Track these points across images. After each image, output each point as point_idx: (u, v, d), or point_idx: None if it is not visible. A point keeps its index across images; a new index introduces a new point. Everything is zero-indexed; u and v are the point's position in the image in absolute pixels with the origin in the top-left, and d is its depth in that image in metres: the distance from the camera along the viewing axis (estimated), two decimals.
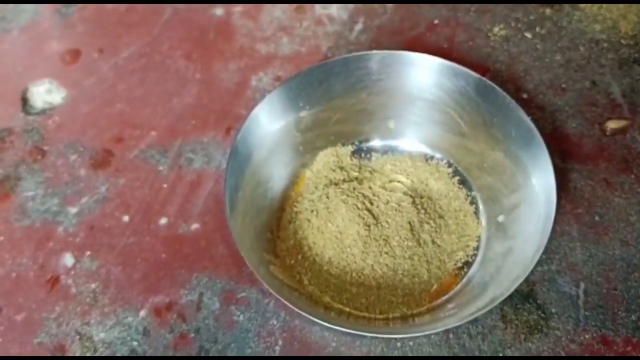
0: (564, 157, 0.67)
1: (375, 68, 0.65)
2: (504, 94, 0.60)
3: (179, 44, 0.82)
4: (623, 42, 0.77)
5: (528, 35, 0.80)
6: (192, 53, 0.81)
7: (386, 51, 0.64)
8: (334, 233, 0.61)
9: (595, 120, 0.70)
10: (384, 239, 0.60)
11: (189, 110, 0.75)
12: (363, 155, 0.70)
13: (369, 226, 0.62)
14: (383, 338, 0.58)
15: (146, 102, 0.76)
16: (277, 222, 0.66)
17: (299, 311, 0.52)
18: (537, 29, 0.79)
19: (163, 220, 0.66)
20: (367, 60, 0.65)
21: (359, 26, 0.83)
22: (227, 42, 0.82)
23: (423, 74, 0.64)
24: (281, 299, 0.53)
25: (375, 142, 0.70)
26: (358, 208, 0.63)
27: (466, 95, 0.63)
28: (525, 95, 0.72)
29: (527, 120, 0.59)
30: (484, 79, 0.62)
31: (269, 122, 0.63)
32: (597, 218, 0.64)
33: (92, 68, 0.80)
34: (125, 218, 0.67)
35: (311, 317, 0.52)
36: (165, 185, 0.69)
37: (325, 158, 0.69)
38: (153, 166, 0.71)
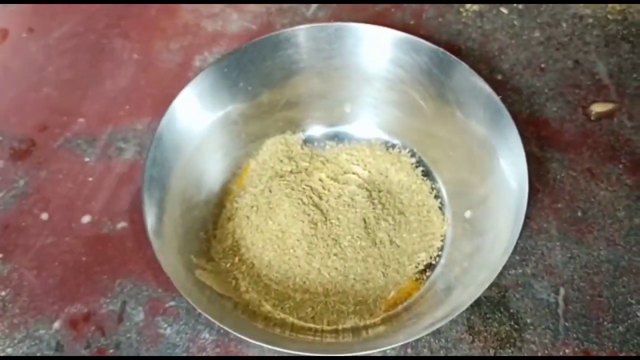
0: (542, 144, 0.62)
1: (325, 44, 0.57)
2: (469, 69, 0.53)
3: (116, 21, 0.75)
4: (610, 17, 0.71)
5: (504, 10, 0.73)
6: (130, 31, 0.74)
7: (335, 23, 0.56)
8: (274, 232, 0.54)
9: (579, 103, 0.65)
10: (333, 239, 0.54)
11: (122, 95, 0.68)
12: (316, 143, 0.63)
13: (315, 224, 0.54)
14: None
15: (76, 86, 0.69)
16: (215, 219, 0.57)
17: (226, 329, 0.44)
18: (514, 4, 0.73)
19: (86, 218, 0.60)
20: (315, 34, 0.57)
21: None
22: (170, 19, 0.74)
23: (378, 50, 0.57)
24: (204, 314, 0.44)
25: (329, 129, 0.63)
26: (303, 203, 0.55)
27: (428, 72, 0.56)
28: (499, 77, 0.67)
29: (496, 98, 0.51)
30: (447, 53, 0.54)
31: (202, 106, 0.56)
32: (579, 213, 0.58)
33: (20, 49, 0.73)
34: (44, 216, 0.60)
35: (240, 336, 0.44)
36: (90, 179, 0.62)
37: (273, 147, 0.62)
38: (79, 157, 0.64)
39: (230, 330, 0.45)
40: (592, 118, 0.63)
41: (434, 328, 0.45)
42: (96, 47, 0.72)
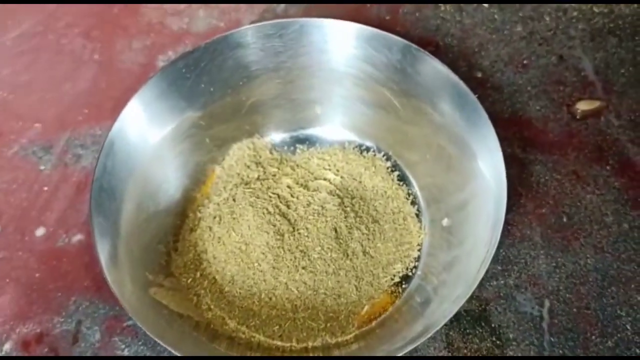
0: (525, 145, 0.59)
1: (291, 41, 0.54)
2: (443, 65, 0.49)
3: (77, 20, 0.71)
4: (596, 10, 0.68)
5: (484, 4, 0.68)
6: (91, 30, 0.70)
7: (301, 19, 0.52)
8: (237, 244, 0.51)
9: (563, 101, 0.61)
10: (301, 251, 0.51)
11: (82, 97, 0.65)
12: (286, 148, 0.59)
13: (282, 235, 0.51)
14: None
15: (32, 89, 0.66)
16: (176, 231, 0.54)
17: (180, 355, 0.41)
18: None
19: (40, 231, 0.57)
20: (280, 31, 0.53)
21: None
22: (133, 17, 0.71)
23: (348, 46, 0.53)
24: (158, 340, 0.40)
25: (299, 132, 0.60)
26: (269, 212, 0.51)
27: (401, 70, 0.52)
28: (479, 74, 0.63)
29: (473, 97, 0.48)
30: (420, 49, 0.51)
31: (159, 108, 0.52)
32: (565, 219, 0.54)
33: None
34: None
35: None
36: (46, 188, 0.59)
37: (240, 152, 0.58)
38: (34, 165, 0.61)
39: (189, 356, 0.41)
40: (578, 117, 0.60)
41: (410, 347, 0.41)
42: (55, 48, 0.69)
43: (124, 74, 0.66)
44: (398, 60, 0.52)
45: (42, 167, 0.60)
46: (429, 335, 0.41)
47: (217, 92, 0.55)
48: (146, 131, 0.51)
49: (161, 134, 0.53)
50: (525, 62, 0.64)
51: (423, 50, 0.50)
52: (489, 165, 0.47)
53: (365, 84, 0.54)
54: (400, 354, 0.41)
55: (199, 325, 0.49)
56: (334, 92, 0.56)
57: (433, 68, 0.50)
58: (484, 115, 0.47)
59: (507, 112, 0.60)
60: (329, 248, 0.51)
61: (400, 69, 0.52)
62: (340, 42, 0.53)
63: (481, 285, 0.42)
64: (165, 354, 0.50)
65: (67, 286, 0.53)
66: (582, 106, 0.60)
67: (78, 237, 0.56)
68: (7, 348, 0.51)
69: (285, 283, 0.50)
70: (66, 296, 0.53)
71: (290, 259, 0.50)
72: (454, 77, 0.49)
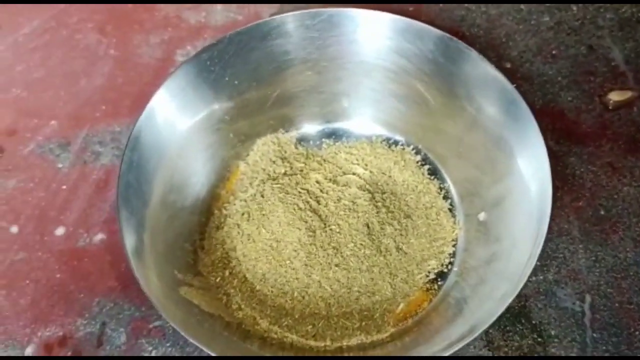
0: (558, 137, 0.57)
1: (319, 32, 0.52)
2: (481, 57, 0.47)
3: (90, 15, 0.69)
4: None
5: None
6: (106, 25, 0.68)
7: (330, 9, 0.50)
8: (268, 241, 0.49)
9: (595, 92, 0.60)
10: (333, 247, 0.49)
11: (98, 94, 0.63)
12: (311, 142, 0.58)
13: (314, 231, 0.49)
14: None
15: (47, 86, 0.64)
16: (201, 229, 0.52)
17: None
18: None
19: (60, 231, 0.55)
20: (307, 21, 0.51)
21: None
22: (149, 11, 0.69)
23: (379, 37, 0.52)
24: (191, 339, 0.39)
25: (326, 126, 0.58)
26: (300, 208, 0.50)
27: (434, 61, 0.51)
28: (508, 65, 0.62)
29: (512, 89, 0.46)
30: (455, 39, 0.49)
31: (183, 102, 0.50)
32: (602, 212, 0.53)
33: None
34: (14, 229, 0.55)
35: None
36: (64, 187, 0.57)
37: (264, 147, 0.57)
38: (51, 163, 0.59)
39: (221, 356, 0.40)
40: (610, 107, 0.59)
41: (453, 350, 0.40)
42: (69, 43, 0.67)
43: (142, 69, 0.64)
44: (430, 51, 0.50)
45: (60, 165, 0.58)
46: (475, 336, 0.39)
47: (242, 85, 0.53)
48: (173, 124, 0.50)
49: (188, 127, 0.51)
50: (554, 52, 0.63)
51: (457, 40, 0.49)
52: (529, 161, 0.46)
53: (395, 76, 0.53)
54: (447, 354, 0.40)
55: (230, 325, 0.47)
56: (362, 85, 0.55)
57: (468, 59, 0.49)
58: (524, 107, 0.46)
59: (539, 103, 0.59)
60: (361, 244, 0.49)
61: (433, 60, 0.50)
62: (371, 32, 0.52)
63: None
64: (195, 354, 0.48)
65: (89, 287, 0.52)
66: (614, 97, 0.59)
67: (99, 237, 0.54)
68: (29, 352, 0.49)
69: (319, 281, 0.48)
70: (89, 297, 0.51)
71: (323, 256, 0.49)
72: (492, 68, 0.47)
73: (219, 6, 0.68)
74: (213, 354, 0.40)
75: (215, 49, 0.51)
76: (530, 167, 0.45)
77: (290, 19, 0.51)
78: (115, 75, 0.64)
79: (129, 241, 0.43)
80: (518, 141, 0.47)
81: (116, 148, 0.59)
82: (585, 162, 0.56)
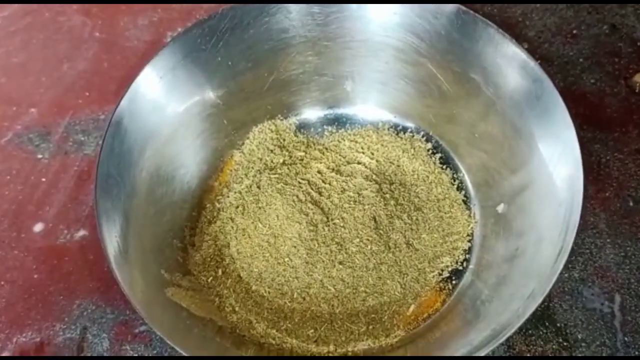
0: (581, 123, 0.54)
1: (319, 7, 0.49)
2: (500, 32, 0.43)
3: None
4: None
5: None
6: (91, 6, 0.66)
7: None
8: (265, 237, 0.47)
9: (620, 74, 0.57)
10: (337, 243, 0.46)
11: (82, 79, 0.61)
12: (312, 129, 0.55)
13: (315, 225, 0.47)
14: None
15: (28, 71, 0.62)
16: (192, 224, 0.49)
17: None
18: None
19: (38, 227, 0.53)
20: None
21: None
22: None
23: (386, 12, 0.48)
24: (177, 347, 0.35)
25: (328, 112, 0.55)
26: (300, 200, 0.47)
27: (447, 38, 0.47)
28: (525, 45, 0.59)
29: (535, 66, 0.43)
30: (471, 13, 0.45)
31: (171, 85, 0.47)
32: (631, 203, 0.50)
33: None
34: None
35: None
36: (44, 179, 0.55)
37: (261, 135, 0.54)
38: (30, 154, 0.57)
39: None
40: (637, 90, 0.56)
41: (481, 354, 0.36)
42: (52, 26, 0.64)
43: (129, 52, 0.62)
44: (444, 27, 0.46)
45: (39, 156, 0.56)
46: (500, 341, 0.35)
47: (236, 66, 0.50)
48: (160, 108, 0.46)
49: (176, 112, 0.48)
50: (574, 32, 0.60)
51: (474, 13, 0.44)
52: (553, 143, 0.42)
53: (404, 56, 0.50)
54: None
55: (223, 330, 0.44)
56: (368, 66, 0.52)
57: (486, 35, 0.45)
58: (550, 86, 0.42)
59: (559, 86, 0.54)
60: (368, 240, 0.46)
61: (447, 37, 0.47)
62: (378, 7, 0.48)
63: None
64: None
65: (69, 288, 0.49)
66: None
67: (81, 233, 0.52)
68: None
69: (321, 280, 0.46)
70: (69, 300, 0.49)
71: (326, 253, 0.46)
72: (512, 45, 0.43)
73: None
74: None
75: (207, 25, 0.47)
76: (556, 153, 0.42)
77: None
78: (101, 60, 0.62)
79: (109, 239, 0.39)
80: (542, 125, 0.43)
81: (100, 137, 0.56)
82: (611, 150, 0.53)
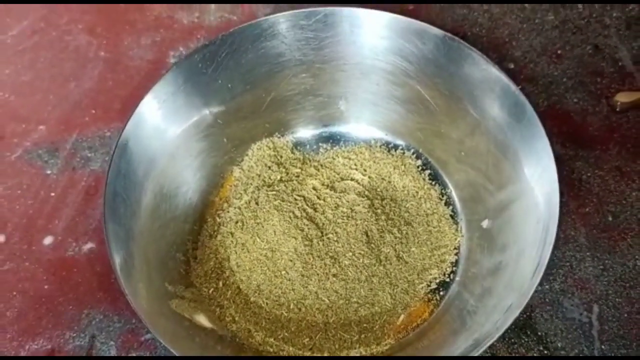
0: (564, 140, 0.56)
1: (314, 32, 0.50)
2: (484, 57, 0.45)
3: (80, 15, 0.68)
4: None
5: None
6: (96, 26, 0.67)
7: (326, 8, 0.48)
8: (263, 251, 0.48)
9: (602, 93, 0.59)
10: (331, 257, 0.48)
11: (88, 97, 0.62)
12: (308, 147, 0.57)
13: (310, 240, 0.48)
14: None
15: (35, 89, 0.63)
16: (194, 238, 0.50)
17: None
18: None
19: (48, 240, 0.54)
20: (302, 21, 0.50)
21: None
22: (140, 11, 0.68)
23: (377, 37, 0.50)
24: (175, 352, 0.37)
25: (323, 130, 0.57)
26: (296, 216, 0.48)
27: (435, 62, 0.49)
28: (511, 65, 0.61)
29: (516, 90, 0.44)
30: (457, 39, 0.47)
31: (174, 107, 0.49)
32: (610, 218, 0.52)
33: None
34: (0, 238, 0.54)
35: None
36: (53, 194, 0.56)
37: (259, 152, 0.55)
38: (39, 169, 0.58)
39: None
40: (618, 109, 0.57)
41: None
42: (58, 45, 0.65)
43: (133, 71, 0.63)
44: (431, 52, 0.48)
45: (48, 172, 0.57)
46: (481, 350, 0.37)
47: (235, 88, 0.52)
48: (162, 130, 0.48)
49: (178, 133, 0.50)
50: (559, 52, 0.61)
51: (459, 40, 0.47)
52: (535, 163, 0.44)
53: (395, 78, 0.51)
54: None
55: (223, 338, 0.46)
56: (360, 87, 0.53)
57: (470, 60, 0.47)
58: (529, 109, 0.44)
59: (543, 105, 0.57)
60: (360, 253, 0.48)
61: (434, 61, 0.48)
62: (369, 32, 0.50)
63: None
64: None
65: (78, 298, 0.50)
66: (622, 98, 0.57)
67: (89, 246, 0.53)
68: None
69: (316, 292, 0.47)
70: (78, 309, 0.50)
71: (320, 266, 0.47)
72: (495, 69, 0.45)
73: (212, 6, 0.67)
74: None
75: (207, 51, 0.49)
76: (536, 172, 0.44)
77: (284, 19, 0.49)
78: (106, 78, 0.63)
79: (117, 253, 0.41)
80: (523, 145, 0.45)
81: (106, 153, 0.58)
82: (592, 167, 0.54)
